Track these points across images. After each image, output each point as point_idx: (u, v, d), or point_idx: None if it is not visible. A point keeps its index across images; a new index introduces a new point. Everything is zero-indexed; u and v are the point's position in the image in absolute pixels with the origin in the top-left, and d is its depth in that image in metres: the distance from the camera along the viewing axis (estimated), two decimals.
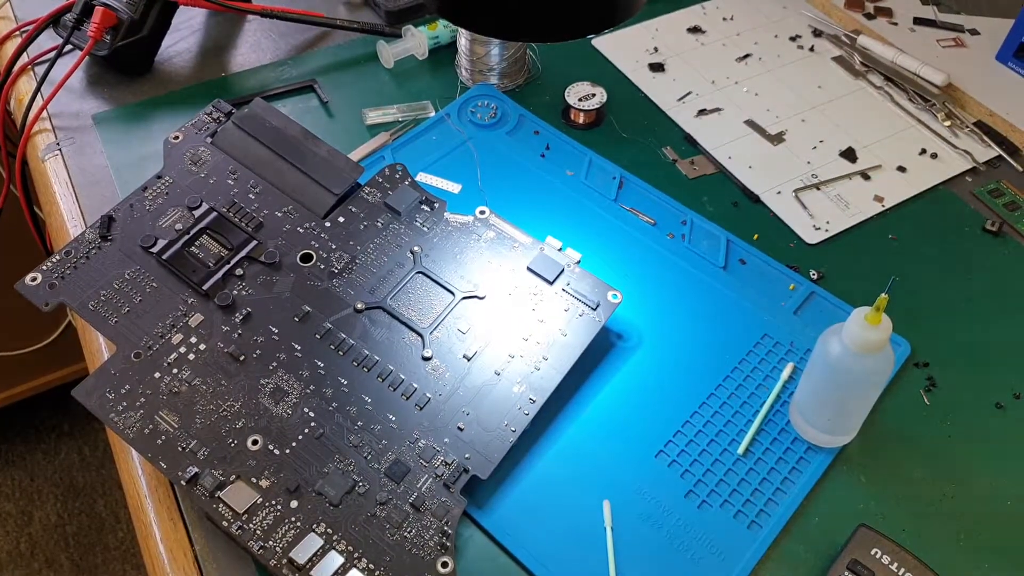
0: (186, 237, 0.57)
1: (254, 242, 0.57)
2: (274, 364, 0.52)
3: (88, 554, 1.31)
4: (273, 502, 0.47)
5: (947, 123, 0.75)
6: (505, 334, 0.55)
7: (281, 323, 0.54)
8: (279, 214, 0.59)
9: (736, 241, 0.64)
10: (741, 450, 0.53)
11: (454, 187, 0.66)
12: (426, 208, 0.60)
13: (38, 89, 0.72)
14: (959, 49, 0.81)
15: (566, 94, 0.73)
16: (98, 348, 0.58)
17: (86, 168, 0.69)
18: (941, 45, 0.82)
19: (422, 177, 0.67)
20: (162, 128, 0.71)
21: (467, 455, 0.50)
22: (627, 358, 0.58)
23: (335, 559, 0.46)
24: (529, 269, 0.58)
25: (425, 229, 0.60)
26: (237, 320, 0.54)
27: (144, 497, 0.52)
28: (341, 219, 0.59)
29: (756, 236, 0.65)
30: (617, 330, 0.59)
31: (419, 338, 0.54)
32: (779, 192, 0.69)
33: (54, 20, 0.75)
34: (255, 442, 0.49)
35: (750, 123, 0.75)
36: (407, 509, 0.48)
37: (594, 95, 0.72)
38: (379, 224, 0.59)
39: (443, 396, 0.52)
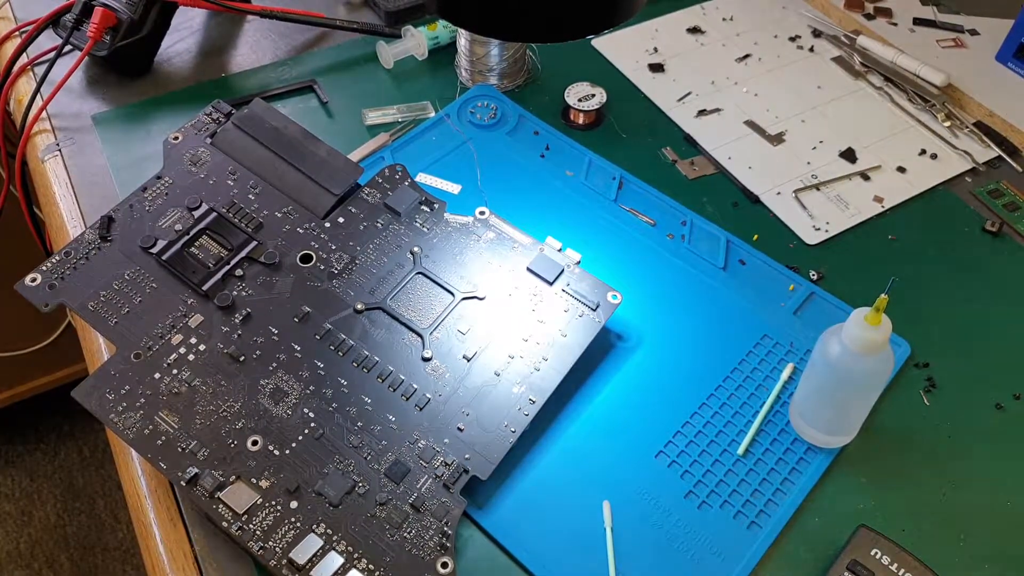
0: (186, 238, 0.56)
1: (254, 243, 0.57)
2: (274, 365, 0.52)
3: (88, 554, 1.31)
4: (273, 502, 0.47)
5: (947, 123, 0.75)
6: (505, 335, 0.55)
7: (281, 324, 0.54)
8: (279, 215, 0.59)
9: (736, 241, 0.64)
10: (741, 451, 0.53)
11: (454, 187, 0.66)
12: (426, 209, 0.60)
13: (38, 89, 0.72)
14: (959, 49, 0.81)
15: (566, 94, 0.72)
16: (98, 348, 0.58)
17: (86, 169, 0.69)
18: (941, 45, 0.82)
19: (422, 178, 0.67)
20: (162, 129, 0.71)
21: (467, 456, 0.50)
22: (627, 358, 0.57)
23: (335, 559, 0.46)
24: (529, 270, 0.58)
25: (425, 230, 0.60)
26: (237, 321, 0.54)
27: (144, 497, 0.51)
28: (341, 220, 0.59)
29: (756, 237, 0.65)
30: (617, 331, 0.59)
31: (419, 339, 0.54)
32: (779, 193, 0.69)
33: (54, 20, 0.75)
34: (255, 443, 0.49)
35: (750, 123, 0.74)
36: (407, 509, 0.48)
37: (594, 95, 0.72)
38: (379, 225, 0.59)
39: (443, 397, 0.52)
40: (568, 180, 0.68)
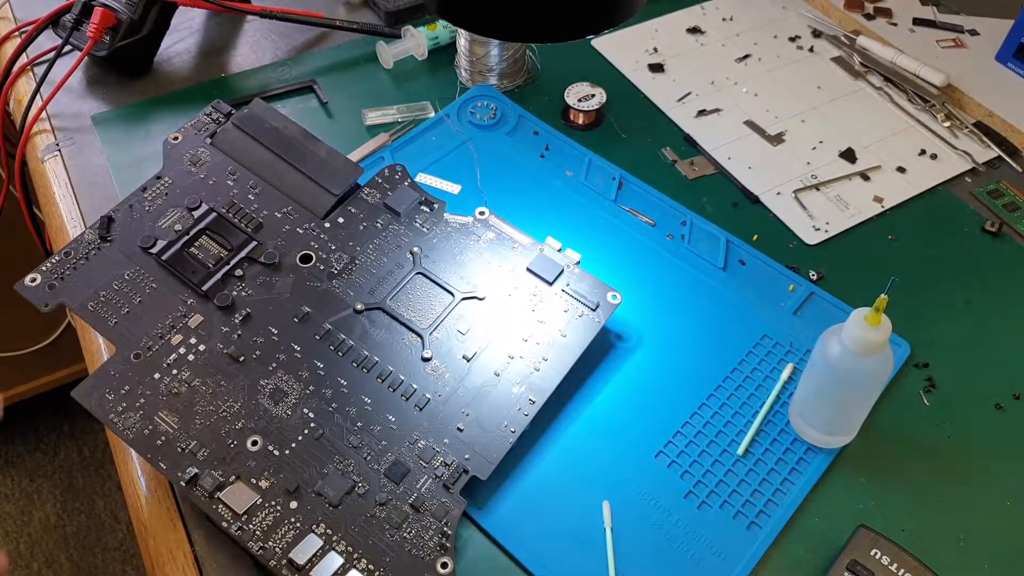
0: (186, 238, 0.57)
1: (254, 243, 0.57)
2: (274, 365, 0.52)
3: (88, 555, 1.31)
4: (273, 503, 0.47)
5: (947, 124, 0.75)
6: (505, 335, 0.55)
7: (281, 324, 0.54)
8: (279, 215, 0.59)
9: (736, 242, 0.64)
10: (741, 451, 0.53)
11: (454, 188, 0.66)
12: (425, 209, 0.60)
13: (37, 90, 0.72)
14: (959, 49, 0.81)
15: (565, 95, 0.72)
16: (98, 348, 0.58)
17: (85, 169, 0.69)
18: (940, 46, 0.82)
19: (422, 178, 0.67)
20: (161, 129, 0.71)
21: (467, 456, 0.50)
22: (627, 359, 0.57)
23: (335, 560, 0.46)
24: (529, 270, 0.57)
25: (425, 230, 0.59)
26: (237, 321, 0.54)
27: (144, 497, 0.52)
28: (341, 220, 0.59)
29: (756, 237, 0.65)
30: (617, 331, 0.59)
31: (419, 339, 0.54)
32: (779, 193, 0.69)
33: (53, 20, 0.75)
34: (255, 443, 0.49)
35: (750, 124, 0.74)
36: (407, 510, 0.48)
37: (593, 95, 0.72)
38: (379, 225, 0.59)
39: (443, 397, 0.52)
40: (568, 180, 0.68)
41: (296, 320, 0.54)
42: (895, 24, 0.84)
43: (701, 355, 0.58)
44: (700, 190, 0.69)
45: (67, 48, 0.73)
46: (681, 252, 0.63)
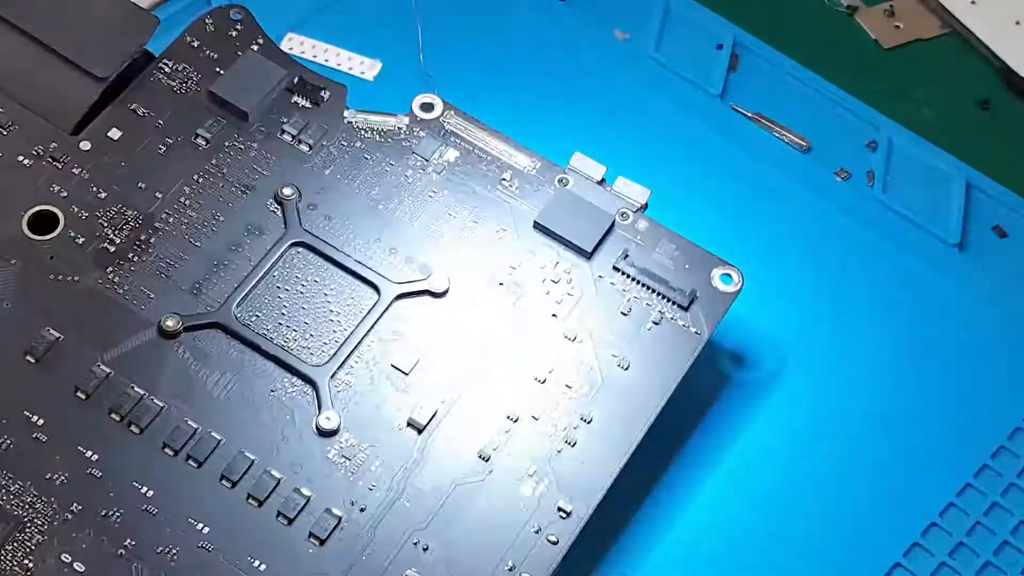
0: None
1: None
2: None
3: None
4: None
5: None
6: (494, 370, 0.46)
7: None
8: None
9: (985, 186, 0.56)
10: None
11: (366, 65, 0.58)
12: (304, 102, 0.51)
13: None
14: None
15: None
16: None
17: None
18: None
19: (292, 43, 0.58)
20: None
21: None
22: (758, 413, 0.52)
23: None
24: (538, 226, 0.48)
25: (305, 148, 0.50)
26: None
27: None
28: (115, 134, 0.50)
29: None
30: (735, 354, 0.53)
31: (309, 389, 0.46)
32: None
33: None
34: None
35: None
36: None
37: None
38: (201, 140, 0.50)
39: (367, 514, 0.44)
40: (618, 49, 0.59)
41: (30, 360, 0.45)
42: None
43: (919, 412, 0.52)
44: (909, 71, 0.62)
45: None
46: (867, 207, 0.56)
